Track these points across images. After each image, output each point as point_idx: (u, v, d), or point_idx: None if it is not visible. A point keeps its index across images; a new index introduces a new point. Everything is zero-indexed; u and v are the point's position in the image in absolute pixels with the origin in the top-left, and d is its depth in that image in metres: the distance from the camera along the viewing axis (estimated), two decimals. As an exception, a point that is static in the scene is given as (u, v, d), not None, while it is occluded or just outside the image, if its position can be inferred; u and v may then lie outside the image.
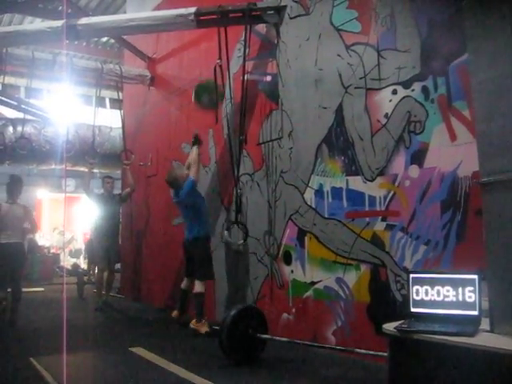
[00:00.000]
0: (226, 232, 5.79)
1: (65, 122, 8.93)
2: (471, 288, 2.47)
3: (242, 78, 5.44)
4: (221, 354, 4.20)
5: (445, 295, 2.53)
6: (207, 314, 5.72)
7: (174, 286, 7.16)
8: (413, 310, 2.62)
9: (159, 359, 4.43)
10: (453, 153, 3.64)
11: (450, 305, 2.52)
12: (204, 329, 5.47)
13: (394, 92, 4.09)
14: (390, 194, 4.10)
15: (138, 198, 8.48)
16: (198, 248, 5.76)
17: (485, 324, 2.42)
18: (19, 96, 11.78)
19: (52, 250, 15.33)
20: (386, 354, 2.58)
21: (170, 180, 5.96)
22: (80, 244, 16.44)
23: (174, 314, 5.90)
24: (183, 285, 5.98)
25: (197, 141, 5.97)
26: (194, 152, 5.88)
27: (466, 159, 3.51)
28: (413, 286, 2.63)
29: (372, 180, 4.26)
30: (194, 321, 5.54)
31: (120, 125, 8.52)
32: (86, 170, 8.32)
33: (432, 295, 2.57)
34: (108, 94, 11.97)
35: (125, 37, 8.74)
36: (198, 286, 5.60)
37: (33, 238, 14.94)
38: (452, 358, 2.23)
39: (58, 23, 5.58)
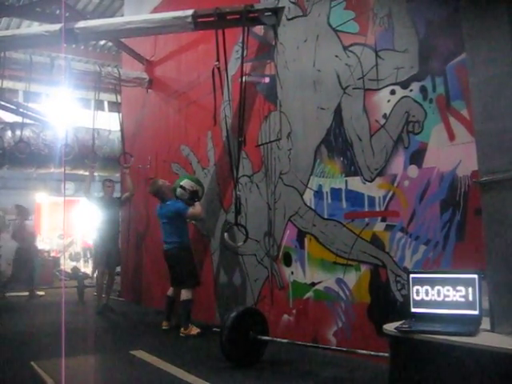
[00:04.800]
0: (225, 234, 5.77)
1: (63, 126, 8.91)
2: (471, 288, 2.47)
3: (240, 79, 5.44)
4: (222, 356, 4.20)
5: (445, 295, 2.53)
6: (207, 317, 5.74)
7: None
8: (413, 310, 2.62)
9: (160, 362, 4.42)
10: (452, 152, 3.64)
11: (451, 305, 2.52)
12: (194, 331, 5.54)
13: (393, 92, 4.09)
14: (390, 195, 4.10)
15: (138, 200, 8.47)
16: (179, 258, 5.85)
17: (485, 323, 2.43)
18: (17, 100, 11.78)
19: (52, 254, 15.31)
20: (386, 355, 2.58)
21: (153, 191, 6.12)
22: (79, 247, 16.43)
23: (164, 325, 6.00)
24: (169, 292, 6.09)
25: (196, 197, 5.95)
26: (197, 207, 5.85)
27: (464, 159, 3.51)
28: (413, 286, 2.63)
29: (371, 180, 4.26)
30: (182, 329, 5.62)
31: (119, 128, 8.52)
32: (87, 173, 8.31)
33: (432, 295, 2.57)
34: (106, 97, 11.95)
35: (123, 40, 8.75)
36: (186, 294, 5.67)
37: (33, 242, 14.97)
38: (453, 357, 2.23)
39: (56, 27, 5.58)
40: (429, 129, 3.81)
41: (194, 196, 5.90)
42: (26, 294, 9.61)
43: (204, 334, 5.44)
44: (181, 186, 5.95)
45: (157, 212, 6.16)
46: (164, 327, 5.97)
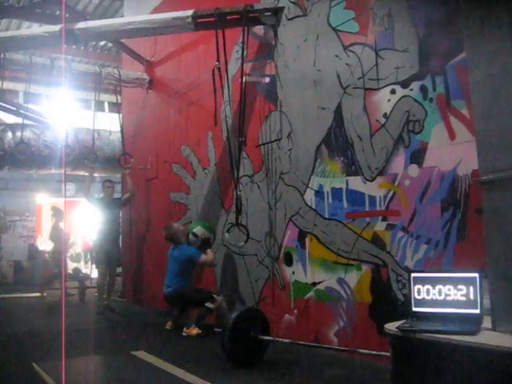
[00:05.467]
0: (226, 234, 5.78)
1: (64, 127, 8.92)
2: (472, 286, 2.48)
3: (240, 79, 5.45)
4: (223, 356, 4.20)
5: (446, 294, 2.54)
6: (209, 316, 5.72)
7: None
8: (414, 309, 2.62)
9: (162, 362, 4.42)
10: (452, 151, 3.64)
11: (452, 303, 2.52)
12: (195, 331, 5.55)
13: (393, 92, 4.09)
14: (390, 194, 4.10)
15: (138, 201, 8.48)
16: (182, 298, 5.89)
17: (486, 322, 2.43)
18: (18, 101, 11.80)
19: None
20: (388, 354, 2.58)
21: (168, 236, 6.17)
22: (80, 248, 16.42)
23: (169, 324, 6.02)
24: None
25: (208, 244, 6.02)
26: (209, 255, 5.92)
27: (465, 158, 3.51)
28: (414, 286, 2.63)
29: (372, 180, 4.26)
30: (185, 328, 5.65)
31: (119, 128, 8.52)
32: (87, 174, 8.31)
33: (433, 294, 2.57)
34: (107, 97, 11.95)
35: (123, 40, 8.74)
36: (211, 304, 5.68)
37: (33, 244, 15.00)
38: (454, 356, 2.23)
39: (56, 28, 5.59)
40: (429, 128, 3.81)
41: (205, 244, 5.99)
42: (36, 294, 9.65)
43: (205, 335, 5.42)
44: (193, 233, 6.03)
45: (169, 253, 6.18)
46: (168, 327, 5.98)
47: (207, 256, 5.89)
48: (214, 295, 5.77)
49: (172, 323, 6.01)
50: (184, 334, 5.60)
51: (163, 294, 6.09)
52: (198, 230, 6.10)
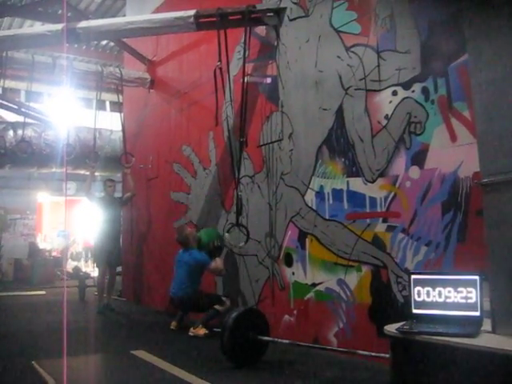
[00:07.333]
0: (226, 234, 5.79)
1: (65, 126, 8.92)
2: (473, 289, 2.47)
3: (241, 80, 5.45)
4: (223, 357, 4.20)
5: (446, 296, 2.54)
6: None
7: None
8: (414, 311, 2.62)
9: (161, 362, 4.42)
10: (453, 153, 3.64)
11: (452, 306, 2.52)
12: (202, 331, 5.52)
13: (394, 93, 4.09)
14: (391, 196, 4.10)
15: (139, 200, 8.48)
16: (191, 304, 5.86)
17: (487, 325, 2.43)
18: (19, 100, 11.80)
19: (53, 253, 15.34)
20: (387, 356, 2.58)
21: (180, 239, 6.08)
22: (81, 247, 16.45)
23: (173, 325, 5.97)
24: None
25: (219, 251, 6.02)
26: (219, 262, 5.88)
27: (466, 160, 3.51)
28: (414, 287, 2.63)
29: (373, 181, 4.26)
30: (192, 328, 5.61)
31: (120, 128, 8.53)
32: (88, 173, 8.30)
33: (433, 296, 2.57)
34: (108, 96, 11.92)
35: (125, 40, 8.75)
36: (220, 307, 5.67)
37: (34, 242, 15.02)
38: (454, 359, 2.23)
39: (58, 26, 5.59)
40: (430, 130, 3.81)
41: (216, 251, 5.97)
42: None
43: (211, 336, 5.38)
44: (206, 240, 6.03)
45: (178, 257, 6.09)
46: (172, 327, 5.93)
47: (217, 263, 5.84)
48: (223, 298, 5.77)
49: (177, 323, 5.96)
50: (191, 333, 5.56)
51: (170, 298, 6.05)
52: (211, 236, 6.10)
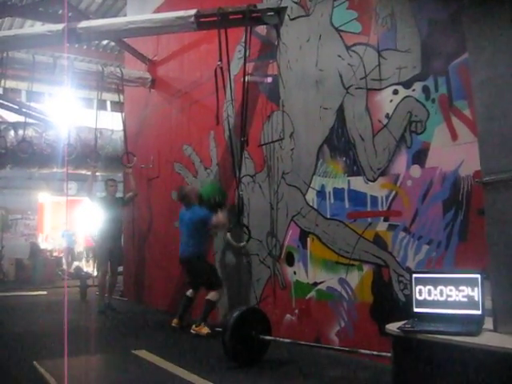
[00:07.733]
0: (228, 233, 5.79)
1: (66, 125, 8.93)
2: (474, 287, 2.47)
3: (242, 79, 5.45)
4: (224, 356, 4.20)
5: (448, 295, 2.54)
6: (210, 316, 5.72)
7: (176, 288, 7.17)
8: (416, 309, 2.62)
9: (163, 362, 4.43)
10: (454, 152, 3.64)
11: (453, 304, 2.52)
12: (205, 330, 5.49)
13: (395, 92, 4.09)
14: (392, 194, 4.10)
15: (140, 200, 8.49)
16: (197, 265, 5.86)
17: (488, 323, 2.43)
18: (20, 100, 11.81)
19: (54, 254, 15.36)
20: (389, 355, 2.58)
21: (181, 197, 6.07)
22: (82, 247, 16.46)
23: (174, 322, 5.91)
24: (189, 293, 6.02)
25: (220, 205, 5.92)
26: (221, 216, 5.76)
27: (467, 159, 3.50)
28: (415, 286, 2.63)
29: (374, 180, 4.26)
30: (194, 325, 5.58)
31: (121, 127, 8.53)
32: (89, 173, 8.30)
33: (435, 295, 2.57)
34: (109, 96, 11.96)
35: (125, 39, 8.75)
36: (214, 295, 5.66)
37: (35, 242, 15.03)
38: (455, 357, 2.23)
39: (59, 27, 5.59)
40: (431, 129, 3.81)
41: (217, 206, 5.91)
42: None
43: (213, 335, 5.37)
44: (207, 195, 5.99)
45: (180, 216, 6.08)
46: (174, 325, 5.86)
47: (219, 218, 5.75)
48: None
49: (178, 321, 5.89)
50: (193, 331, 5.52)
51: (179, 259, 6.02)
52: (211, 192, 6.05)
